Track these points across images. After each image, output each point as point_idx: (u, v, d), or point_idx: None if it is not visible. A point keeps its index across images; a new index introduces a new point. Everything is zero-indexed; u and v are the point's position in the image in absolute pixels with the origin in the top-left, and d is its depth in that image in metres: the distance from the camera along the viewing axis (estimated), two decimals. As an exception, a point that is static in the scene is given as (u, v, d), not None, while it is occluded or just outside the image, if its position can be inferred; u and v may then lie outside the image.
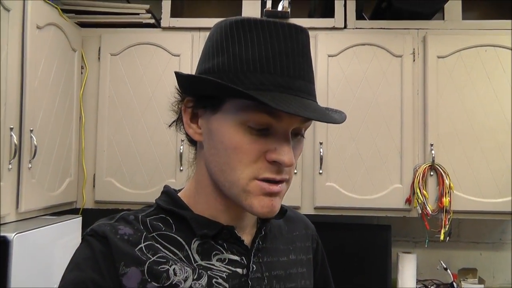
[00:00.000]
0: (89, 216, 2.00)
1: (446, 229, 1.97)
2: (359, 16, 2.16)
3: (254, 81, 0.66)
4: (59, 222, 1.76)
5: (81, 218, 1.92)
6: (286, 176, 0.70)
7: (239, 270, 0.74)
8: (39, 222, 1.70)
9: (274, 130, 0.68)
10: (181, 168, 2.04)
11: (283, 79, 0.66)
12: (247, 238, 0.78)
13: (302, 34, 0.69)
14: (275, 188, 0.68)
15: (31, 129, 1.67)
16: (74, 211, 2.05)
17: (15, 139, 1.57)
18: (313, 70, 0.72)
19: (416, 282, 2.19)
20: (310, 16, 2.27)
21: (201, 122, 0.73)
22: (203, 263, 0.72)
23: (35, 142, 1.67)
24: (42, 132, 1.76)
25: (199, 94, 0.72)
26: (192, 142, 0.79)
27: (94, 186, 2.10)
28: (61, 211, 1.97)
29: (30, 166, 1.66)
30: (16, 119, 1.61)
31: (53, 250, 1.71)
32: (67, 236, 1.81)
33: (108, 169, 2.09)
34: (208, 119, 0.71)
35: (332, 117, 0.71)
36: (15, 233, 1.47)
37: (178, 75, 0.72)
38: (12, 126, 1.57)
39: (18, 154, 1.61)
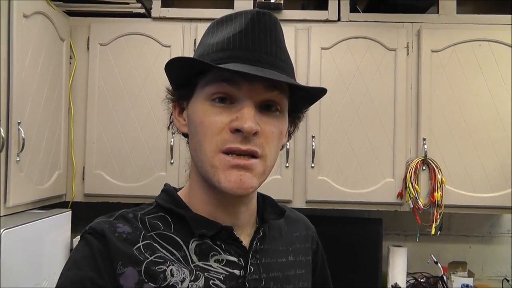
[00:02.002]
0: (78, 210, 1.98)
1: (438, 223, 1.98)
2: (353, 9, 2.13)
3: (214, 58, 0.69)
4: (48, 216, 1.73)
5: (70, 212, 1.89)
6: (254, 148, 0.68)
7: (237, 272, 0.73)
8: (28, 216, 1.67)
9: (237, 101, 0.68)
10: (172, 161, 2.02)
11: (241, 52, 0.68)
12: (245, 239, 0.77)
13: (265, 16, 0.71)
14: (241, 161, 0.67)
15: (19, 121, 1.63)
16: (63, 205, 2.02)
17: (2, 132, 1.53)
18: (282, 47, 0.73)
19: (407, 275, 2.21)
20: (303, 8, 2.23)
21: (185, 113, 0.76)
22: (200, 264, 0.71)
23: (23, 135, 1.63)
24: (30, 124, 1.72)
25: (178, 85, 0.76)
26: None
27: (83, 179, 2.06)
28: (50, 205, 1.93)
29: (18, 159, 1.63)
30: (3, 111, 1.56)
31: (42, 245, 1.69)
32: (56, 231, 1.79)
33: (97, 162, 2.06)
34: (188, 107, 0.74)
35: (288, 79, 0.70)
36: (3, 229, 1.44)
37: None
38: (-1, 119, 1.53)
39: (6, 147, 1.57)
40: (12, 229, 1.49)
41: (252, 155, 0.68)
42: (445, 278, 2.20)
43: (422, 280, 2.28)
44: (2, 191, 1.58)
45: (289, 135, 0.82)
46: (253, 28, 0.69)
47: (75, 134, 2.07)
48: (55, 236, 1.77)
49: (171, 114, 0.80)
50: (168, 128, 0.82)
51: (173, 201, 0.77)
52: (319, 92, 0.75)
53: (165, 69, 0.72)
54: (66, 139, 2.05)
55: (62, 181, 2.03)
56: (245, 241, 0.77)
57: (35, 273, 1.62)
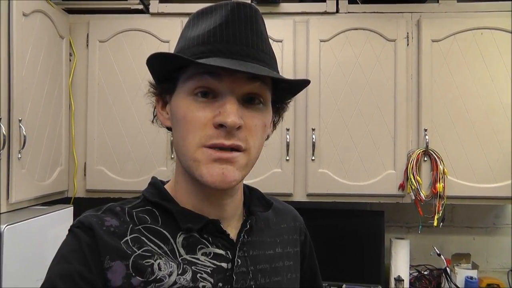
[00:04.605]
0: (80, 205, 2.00)
1: (440, 214, 1.97)
2: (352, 0, 2.11)
3: (195, 52, 0.69)
4: (50, 212, 1.75)
5: (72, 207, 1.91)
6: (238, 143, 0.68)
7: (224, 265, 0.74)
8: (30, 212, 1.69)
9: (220, 94, 0.68)
10: (173, 156, 2.03)
11: (222, 45, 0.68)
12: (232, 231, 0.78)
13: (245, 8, 0.71)
14: (224, 154, 0.67)
15: (20, 119, 1.65)
16: (65, 200, 2.05)
17: (3, 129, 1.56)
18: (264, 39, 0.72)
19: (409, 268, 2.19)
20: (301, 0, 2.21)
21: (168, 107, 0.76)
22: (187, 257, 0.72)
23: (24, 132, 1.66)
24: (31, 121, 1.74)
25: (160, 79, 0.75)
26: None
27: (85, 174, 2.09)
28: (52, 201, 1.96)
29: (19, 156, 1.65)
30: (4, 109, 1.59)
31: (44, 240, 1.70)
32: (58, 226, 1.80)
33: (99, 158, 2.08)
34: (170, 101, 0.74)
35: (271, 72, 0.70)
36: (5, 225, 1.46)
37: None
38: (0, 117, 1.55)
39: (7, 144, 1.60)
40: (15, 224, 1.51)
41: (236, 149, 0.68)
42: (448, 270, 2.18)
43: (425, 273, 2.26)
44: (5, 188, 1.60)
45: (274, 125, 0.82)
46: (233, 20, 0.69)
47: (76, 131, 2.10)
48: (57, 231, 1.79)
49: (154, 108, 0.80)
50: (152, 122, 0.82)
51: (160, 195, 0.77)
52: (302, 84, 0.76)
53: (146, 64, 0.72)
54: (67, 135, 2.08)
55: (64, 177, 2.05)
56: (232, 234, 0.77)
57: (37, 269, 1.64)
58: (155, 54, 0.68)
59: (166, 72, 0.72)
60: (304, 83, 0.75)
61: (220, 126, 0.67)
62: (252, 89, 0.69)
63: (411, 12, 2.05)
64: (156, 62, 0.71)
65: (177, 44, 0.76)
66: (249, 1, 1.97)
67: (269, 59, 0.72)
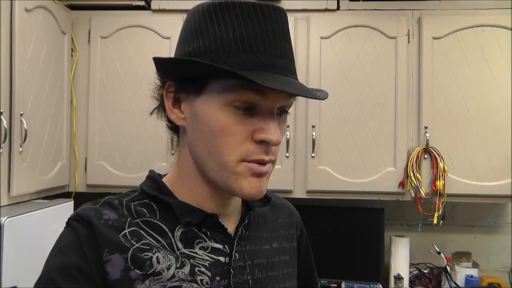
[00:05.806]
0: (81, 200, 2.01)
1: (440, 212, 1.96)
2: (352, -3, 2.12)
3: (237, 61, 0.65)
4: (51, 206, 1.76)
5: (73, 202, 1.92)
6: (273, 157, 0.70)
7: (222, 259, 0.73)
8: (31, 206, 1.70)
9: (260, 109, 0.67)
10: (173, 152, 2.03)
11: (265, 58, 0.66)
12: (230, 226, 0.78)
13: (280, 14, 0.69)
14: (263, 168, 0.68)
15: (21, 113, 1.67)
16: (66, 195, 2.06)
17: (5, 123, 1.57)
18: (292, 49, 0.71)
19: (409, 266, 2.19)
20: (303, -3, 2.22)
21: (183, 106, 0.72)
22: (186, 251, 0.72)
23: (25, 126, 1.67)
24: (32, 116, 1.76)
25: (181, 78, 0.70)
26: (173, 129, 0.78)
27: (86, 169, 2.10)
28: (53, 195, 1.97)
29: (21, 150, 1.67)
30: (5, 103, 1.60)
31: (44, 234, 1.71)
32: (59, 220, 1.81)
33: (99, 153, 2.09)
34: (191, 103, 0.70)
35: (315, 93, 0.73)
36: (6, 218, 1.47)
37: (158, 60, 0.70)
38: (1, 110, 1.56)
39: (9, 138, 1.61)
40: (15, 217, 1.52)
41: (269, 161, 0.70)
42: (448, 269, 2.17)
43: (425, 271, 2.25)
44: (6, 181, 1.62)
45: None
46: (273, 29, 0.67)
47: (77, 126, 2.12)
48: (57, 226, 1.78)
49: (160, 101, 0.76)
50: (151, 114, 0.79)
51: (159, 188, 0.77)
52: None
53: (167, 62, 0.69)
54: (69, 130, 2.09)
55: (65, 171, 2.07)
56: (231, 228, 0.77)
57: (36, 262, 1.64)
58: (197, 62, 0.65)
59: (194, 74, 0.68)
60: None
61: (261, 142, 0.67)
62: (288, 104, 0.71)
63: (412, 10, 2.06)
64: (184, 65, 0.68)
65: (195, 38, 0.69)
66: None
67: (296, 69, 0.72)
